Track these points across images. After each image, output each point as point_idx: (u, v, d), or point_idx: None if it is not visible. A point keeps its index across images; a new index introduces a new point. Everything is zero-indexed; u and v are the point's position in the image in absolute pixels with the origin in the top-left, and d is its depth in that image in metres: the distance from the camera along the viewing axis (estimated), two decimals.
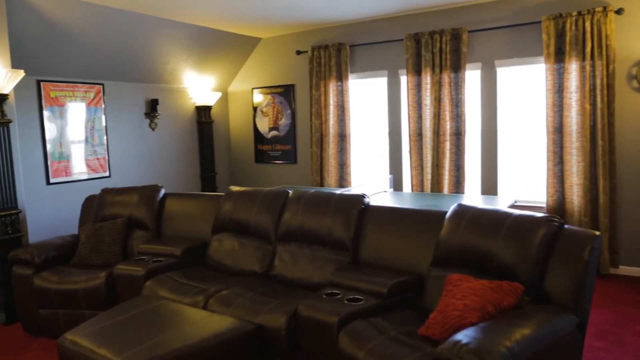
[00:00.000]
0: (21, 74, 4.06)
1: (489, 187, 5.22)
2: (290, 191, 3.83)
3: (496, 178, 5.19)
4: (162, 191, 4.41)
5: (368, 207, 3.43)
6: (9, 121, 4.02)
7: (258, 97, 6.81)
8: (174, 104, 6.31)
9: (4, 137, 3.99)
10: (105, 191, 4.45)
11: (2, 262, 3.98)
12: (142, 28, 5.23)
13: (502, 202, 4.57)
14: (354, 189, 5.66)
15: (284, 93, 6.58)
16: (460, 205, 2.97)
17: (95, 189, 5.34)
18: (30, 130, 4.88)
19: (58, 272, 3.75)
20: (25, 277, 3.74)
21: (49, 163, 5.04)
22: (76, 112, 5.27)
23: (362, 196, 3.47)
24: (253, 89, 6.83)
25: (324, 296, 2.85)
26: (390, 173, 5.83)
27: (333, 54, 5.94)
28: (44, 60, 4.83)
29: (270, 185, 6.63)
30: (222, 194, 4.12)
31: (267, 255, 3.66)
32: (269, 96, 6.68)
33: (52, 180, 5.08)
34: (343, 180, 6.15)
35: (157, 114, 6.02)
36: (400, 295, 2.83)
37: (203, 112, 6.60)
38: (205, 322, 2.81)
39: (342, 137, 6.08)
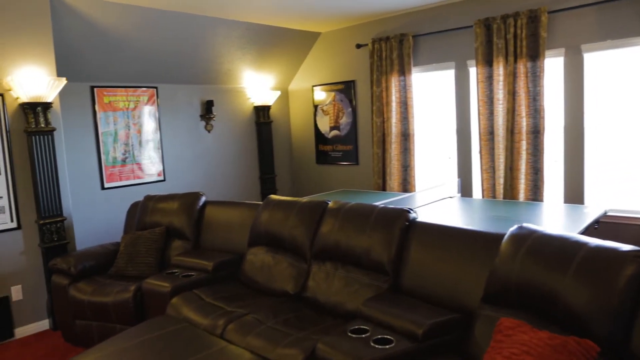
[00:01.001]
0: (63, 81, 4.02)
1: (574, 193, 4.44)
2: (330, 202, 3.42)
3: (582, 183, 4.40)
4: (203, 199, 4.20)
5: (413, 224, 2.94)
6: (53, 129, 3.99)
7: (319, 95, 6.45)
8: (230, 104, 6.13)
9: (48, 145, 3.97)
10: (148, 198, 4.33)
11: (48, 269, 3.97)
12: (195, 29, 5.06)
13: (589, 213, 3.83)
14: (418, 194, 5.14)
15: (345, 90, 6.15)
16: (521, 228, 2.40)
17: (150, 192, 5.31)
18: (85, 136, 4.89)
19: (93, 283, 3.65)
20: (62, 287, 3.68)
21: (103, 168, 5.04)
22: (130, 116, 5.23)
23: (407, 211, 2.98)
24: (313, 86, 6.48)
25: (350, 333, 2.41)
26: (459, 176, 5.21)
27: (395, 46, 5.42)
28: (97, 67, 4.81)
29: (331, 188, 6.27)
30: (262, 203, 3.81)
31: (301, 275, 3.29)
32: (331, 93, 6.29)
33: (106, 185, 5.08)
34: (407, 184, 5.62)
35: (213, 116, 5.87)
36: (440, 338, 2.32)
37: (261, 112, 6.37)
38: (215, 357, 2.49)
39: (406, 137, 5.54)
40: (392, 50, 5.46)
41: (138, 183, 5.32)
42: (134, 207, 4.40)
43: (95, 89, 4.95)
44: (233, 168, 6.19)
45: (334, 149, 6.41)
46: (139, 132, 5.31)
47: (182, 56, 5.32)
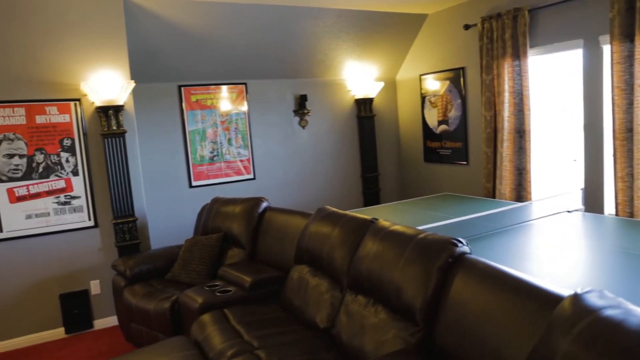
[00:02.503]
0: (132, 84, 4.06)
1: None
2: (375, 220, 2.86)
3: None
4: (264, 204, 3.92)
5: (460, 261, 2.25)
6: (124, 132, 4.07)
7: (426, 85, 5.71)
8: (328, 98, 5.75)
9: (120, 147, 4.06)
10: (214, 200, 4.21)
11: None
12: (283, 20, 4.78)
13: None
14: (533, 204, 4.21)
15: (454, 78, 5.33)
16: (589, 295, 1.61)
17: (238, 191, 5.24)
18: (173, 135, 4.97)
19: (147, 287, 3.63)
20: (119, 288, 3.74)
21: (190, 166, 5.09)
22: (218, 114, 5.19)
23: (453, 243, 2.29)
24: (421, 75, 5.76)
25: None
26: (585, 184, 4.11)
27: (508, 24, 4.47)
28: (183, 66, 4.83)
29: (438, 191, 5.57)
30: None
31: (335, 305, 2.80)
32: (439, 83, 5.52)
33: (194, 184, 5.12)
34: (521, 190, 4.65)
35: (307, 111, 5.56)
36: None
37: (363, 105, 5.87)
38: None
39: (520, 134, 4.57)
40: (504, 29, 4.52)
41: (226, 182, 5.27)
42: (204, 209, 4.32)
43: (182, 88, 4.99)
44: (331, 166, 5.83)
45: (442, 145, 5.64)
46: (227, 129, 5.24)
47: (272, 50, 5.09)
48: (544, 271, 2.57)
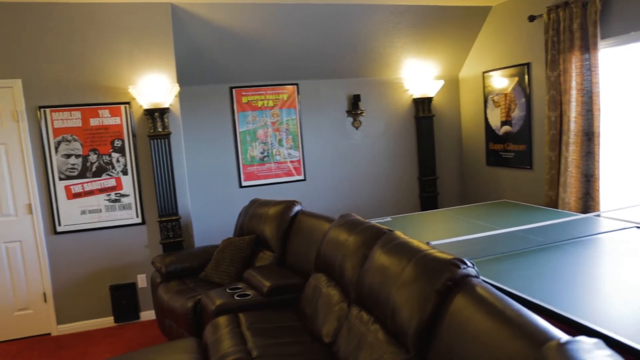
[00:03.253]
0: (177, 87, 4.19)
1: None
2: (390, 231, 2.69)
3: None
4: (296, 208, 3.86)
5: (462, 284, 2.02)
6: (169, 133, 4.22)
7: (489, 83, 5.31)
8: (383, 98, 5.55)
9: (165, 148, 4.22)
10: (252, 202, 4.23)
11: None
12: (336, 19, 4.68)
13: None
14: (601, 216, 3.76)
15: (518, 75, 4.89)
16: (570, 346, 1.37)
17: (288, 192, 5.25)
18: (224, 135, 5.08)
19: (180, 285, 3.73)
20: (155, 284, 3.88)
21: (240, 166, 5.18)
22: (269, 115, 5.22)
23: (456, 264, 2.07)
24: (484, 72, 5.36)
25: None
26: None
27: (576, 14, 4.00)
28: (234, 68, 4.91)
29: (499, 197, 5.21)
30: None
31: (341, 319, 2.68)
32: (504, 79, 5.10)
33: (244, 184, 5.21)
34: (589, 200, 4.16)
35: (361, 111, 5.42)
36: None
37: (421, 104, 5.60)
38: None
39: (589, 136, 4.08)
40: (572, 19, 4.05)
41: (276, 182, 5.29)
42: (243, 210, 4.36)
43: (233, 90, 5.08)
44: (385, 168, 5.63)
45: (504, 148, 5.21)
46: (278, 130, 5.26)
47: (323, 50, 5.02)
48: (591, 300, 2.24)
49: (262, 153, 5.24)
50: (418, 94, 5.54)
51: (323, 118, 5.39)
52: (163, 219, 4.26)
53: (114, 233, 4.26)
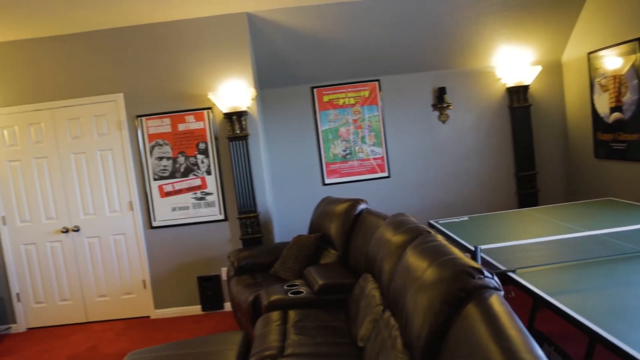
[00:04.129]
0: (253, 91, 4.41)
1: None
2: (426, 233, 2.56)
3: None
4: (360, 207, 3.84)
5: (475, 295, 1.86)
6: (246, 135, 4.45)
7: (597, 64, 4.69)
8: (472, 89, 5.22)
9: (243, 149, 4.47)
10: (323, 200, 4.29)
11: None
12: (415, 12, 4.53)
13: None
14: None
15: (628, 53, 4.26)
16: None
17: (371, 190, 5.23)
18: (306, 134, 5.21)
19: (250, 279, 3.94)
20: (229, 277, 4.14)
21: (323, 164, 5.26)
22: (350, 113, 5.22)
23: (470, 273, 1.91)
24: (589, 53, 4.76)
25: None
26: None
27: None
28: (314, 69, 5.01)
29: (611, 194, 4.67)
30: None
31: (376, 322, 2.62)
32: (613, 59, 4.48)
33: (327, 181, 5.29)
34: None
35: (447, 104, 5.17)
36: None
37: (516, 94, 5.15)
38: None
39: None
40: None
41: (359, 180, 5.29)
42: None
43: (314, 90, 5.18)
44: (476, 164, 5.30)
45: (615, 138, 4.58)
46: (360, 127, 5.24)
47: (404, 44, 4.89)
48: None
49: (344, 151, 5.27)
50: (512, 82, 5.10)
51: (407, 113, 5.24)
52: (242, 216, 4.51)
53: (200, 228, 4.63)
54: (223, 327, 4.31)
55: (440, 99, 5.17)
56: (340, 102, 5.22)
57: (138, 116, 4.51)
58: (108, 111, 4.51)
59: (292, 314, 3.12)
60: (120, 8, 3.95)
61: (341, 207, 3.92)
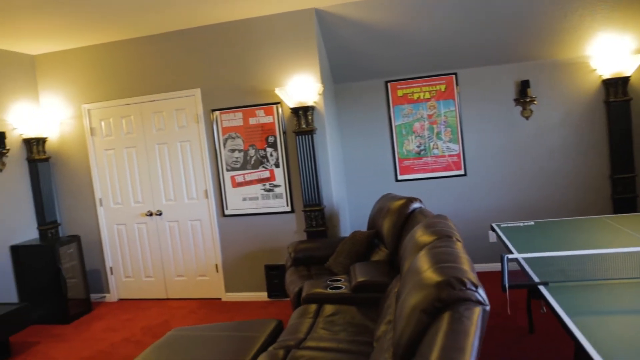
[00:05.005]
0: (320, 86, 4.46)
1: None
2: (446, 237, 2.44)
3: None
4: (413, 205, 3.71)
5: (453, 306, 1.75)
6: (312, 130, 4.52)
7: None
8: (560, 82, 4.74)
9: (309, 144, 4.55)
10: (383, 196, 4.22)
11: None
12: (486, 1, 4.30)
13: None
14: None
15: None
16: None
17: (446, 188, 5.06)
18: (380, 129, 5.15)
19: (305, 271, 4.02)
20: (286, 267, 4.25)
21: (396, 160, 5.16)
22: (425, 107, 5.04)
23: (451, 283, 1.79)
24: None
25: None
26: None
27: None
28: (388, 63, 4.93)
29: None
30: None
31: (389, 323, 2.54)
32: None
33: (399, 178, 5.18)
34: None
35: (531, 99, 4.77)
36: None
37: (613, 86, 4.58)
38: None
39: None
40: None
41: (433, 177, 5.10)
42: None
43: (389, 84, 5.09)
44: (563, 164, 4.82)
45: None
46: (435, 123, 5.04)
47: (483, 34, 4.61)
48: None
49: (418, 147, 5.11)
50: (609, 73, 4.55)
51: (486, 108, 4.93)
52: (307, 208, 4.60)
53: (268, 219, 4.81)
54: (285, 314, 4.45)
55: (523, 93, 4.79)
56: (415, 96, 5.07)
57: (213, 110, 4.80)
58: (187, 105, 4.87)
59: (327, 308, 3.14)
60: (198, 9, 4.22)
61: (395, 205, 3.83)
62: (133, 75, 4.96)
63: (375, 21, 4.51)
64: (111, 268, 5.26)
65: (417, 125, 5.09)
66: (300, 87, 4.45)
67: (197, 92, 4.82)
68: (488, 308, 1.76)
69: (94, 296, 5.30)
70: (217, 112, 4.80)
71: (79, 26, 4.36)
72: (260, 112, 4.72)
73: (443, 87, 5.00)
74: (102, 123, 5.11)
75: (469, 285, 1.77)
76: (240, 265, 4.94)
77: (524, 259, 2.81)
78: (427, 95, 5.04)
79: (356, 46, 4.78)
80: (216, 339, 2.91)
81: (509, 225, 3.73)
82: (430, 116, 5.06)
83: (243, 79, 4.71)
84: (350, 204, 5.32)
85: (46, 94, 5.21)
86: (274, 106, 4.68)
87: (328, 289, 3.33)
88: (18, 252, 4.74)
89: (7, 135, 4.81)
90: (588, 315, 2.01)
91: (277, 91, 4.52)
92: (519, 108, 4.87)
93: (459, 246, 2.32)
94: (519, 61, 4.80)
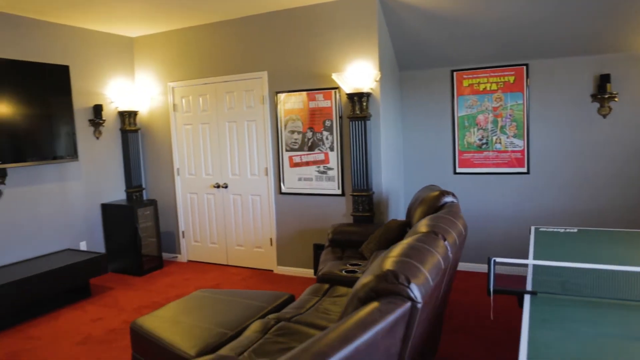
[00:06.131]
0: (377, 73, 4.49)
1: None
2: (433, 234, 2.44)
3: None
4: (445, 199, 3.65)
5: (383, 297, 1.82)
6: (365, 116, 4.58)
7: None
8: None
9: (361, 130, 4.61)
10: (424, 187, 4.17)
11: None
12: None
13: None
14: None
15: None
16: None
17: (506, 185, 4.86)
18: (442, 119, 5.04)
19: (338, 252, 4.17)
20: (325, 247, 4.40)
21: (456, 152, 5.02)
22: (491, 99, 4.82)
23: (387, 276, 1.86)
24: None
25: None
26: None
27: None
28: (455, 51, 4.78)
29: None
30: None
31: None
32: None
33: (458, 170, 5.03)
34: None
35: (611, 95, 4.34)
36: None
37: None
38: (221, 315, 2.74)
39: None
40: None
41: (493, 172, 4.89)
42: None
43: (454, 73, 4.94)
44: None
45: None
46: (500, 116, 4.81)
47: (560, 22, 4.28)
48: None
49: (480, 140, 4.92)
50: None
51: (558, 103, 4.58)
52: (355, 193, 4.70)
53: (320, 200, 4.99)
54: None
55: (602, 89, 4.37)
56: (481, 87, 4.86)
57: (277, 92, 5.06)
58: (255, 87, 5.18)
59: (338, 290, 3.27)
60: None
61: (429, 196, 3.78)
62: (211, 57, 5.40)
63: (441, 8, 4.40)
64: (183, 232, 5.85)
65: (480, 117, 4.90)
66: (357, 73, 4.52)
67: (264, 74, 5.11)
68: (419, 305, 1.79)
69: (167, 255, 5.94)
70: (281, 94, 5.05)
71: (170, 11, 4.85)
72: (319, 96, 4.88)
73: (512, 79, 4.74)
74: (183, 100, 5.64)
75: (401, 280, 1.81)
76: (292, 241, 5.20)
77: (536, 265, 2.68)
78: (494, 87, 4.81)
79: (422, 33, 4.70)
80: (229, 302, 3.18)
81: (547, 229, 3.51)
82: (495, 109, 4.83)
83: (306, 63, 4.90)
84: (406, 193, 5.30)
85: (140, 71, 5.87)
86: (333, 91, 4.81)
87: (343, 272, 3.45)
88: (106, 209, 5.47)
89: (104, 107, 5.53)
90: (552, 330, 1.91)
91: (334, 76, 4.63)
92: (596, 105, 4.45)
93: (439, 244, 2.32)
94: (599, 53, 4.38)
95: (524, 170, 4.77)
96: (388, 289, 1.80)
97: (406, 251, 2.14)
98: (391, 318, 1.65)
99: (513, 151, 4.80)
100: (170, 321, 2.91)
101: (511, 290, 2.38)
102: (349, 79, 4.54)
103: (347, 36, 4.66)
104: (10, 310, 4.07)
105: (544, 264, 2.36)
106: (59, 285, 4.37)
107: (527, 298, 2.24)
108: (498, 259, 2.40)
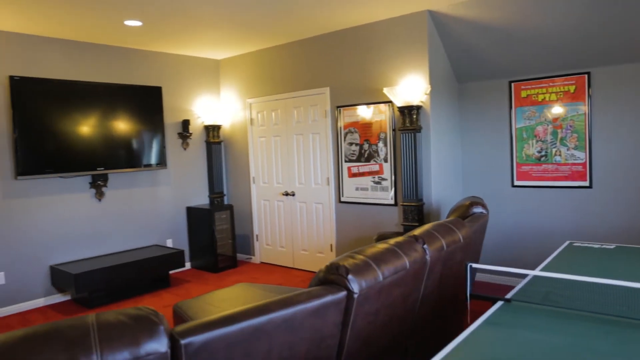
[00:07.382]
0: (427, 87, 4.64)
1: None
2: (413, 238, 2.60)
3: None
4: (475, 209, 3.72)
5: (327, 285, 2.07)
6: (415, 128, 4.72)
7: None
8: None
9: (411, 142, 4.77)
10: (466, 197, 4.20)
11: None
12: None
13: None
14: None
15: None
16: None
17: (566, 199, 4.70)
18: (499, 131, 4.99)
19: None
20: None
21: (514, 165, 4.93)
22: (550, 110, 4.68)
23: (337, 270, 2.11)
24: None
25: None
26: None
27: None
28: (511, 62, 4.75)
29: None
30: None
31: None
32: None
33: (516, 183, 4.93)
34: None
35: None
36: None
37: None
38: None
39: None
40: None
41: (553, 186, 4.72)
42: None
43: (512, 84, 4.88)
44: None
45: None
46: (560, 127, 4.64)
47: (625, 27, 4.10)
48: None
49: (539, 152, 4.79)
50: None
51: (624, 113, 4.33)
52: (405, 203, 4.85)
53: (375, 209, 5.20)
54: None
55: None
56: (540, 98, 4.75)
57: (338, 107, 5.40)
58: (319, 102, 5.57)
59: None
60: (330, 17, 4.87)
61: (463, 204, 3.85)
62: (282, 75, 5.91)
63: (493, 19, 4.43)
64: (257, 235, 6.39)
65: (539, 128, 4.77)
66: (407, 87, 4.70)
67: (327, 90, 5.48)
68: (356, 295, 2.01)
69: (242, 256, 6.52)
70: (341, 109, 5.38)
71: (249, 35, 5.46)
72: (375, 110, 5.13)
73: (572, 88, 4.56)
74: (258, 115, 6.22)
75: (341, 271, 2.04)
76: (350, 247, 5.46)
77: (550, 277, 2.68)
78: (554, 97, 4.67)
79: (476, 46, 4.75)
80: (263, 296, 3.56)
81: (582, 244, 3.39)
82: (555, 120, 4.68)
83: (362, 78, 5.18)
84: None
85: (225, 89, 6.59)
86: (387, 104, 5.02)
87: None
88: (190, 212, 6.21)
89: (192, 122, 6.31)
90: (493, 332, 1.99)
91: (386, 90, 4.85)
92: None
93: (414, 248, 2.48)
94: None
95: (586, 184, 4.55)
96: (329, 278, 2.04)
97: (375, 248, 2.34)
98: (318, 302, 1.89)
99: (574, 164, 4.60)
100: (206, 305, 3.36)
101: (486, 296, 2.45)
102: (400, 93, 4.73)
103: (398, 52, 4.86)
104: (105, 291, 4.88)
105: (520, 272, 2.39)
106: (144, 274, 5.11)
107: (497, 304, 2.31)
108: (475, 265, 2.49)
